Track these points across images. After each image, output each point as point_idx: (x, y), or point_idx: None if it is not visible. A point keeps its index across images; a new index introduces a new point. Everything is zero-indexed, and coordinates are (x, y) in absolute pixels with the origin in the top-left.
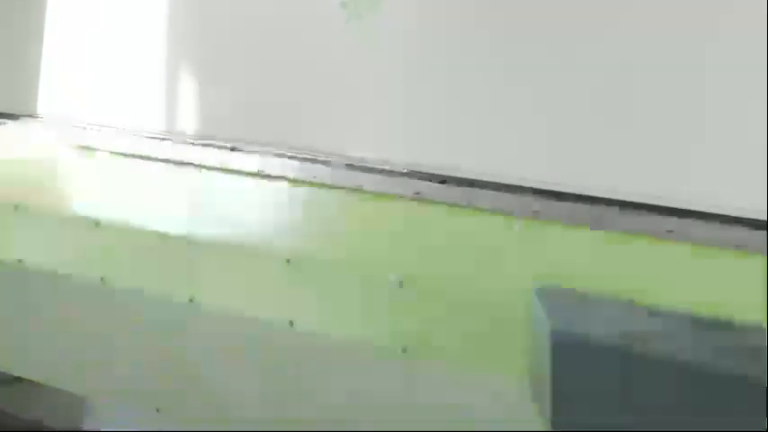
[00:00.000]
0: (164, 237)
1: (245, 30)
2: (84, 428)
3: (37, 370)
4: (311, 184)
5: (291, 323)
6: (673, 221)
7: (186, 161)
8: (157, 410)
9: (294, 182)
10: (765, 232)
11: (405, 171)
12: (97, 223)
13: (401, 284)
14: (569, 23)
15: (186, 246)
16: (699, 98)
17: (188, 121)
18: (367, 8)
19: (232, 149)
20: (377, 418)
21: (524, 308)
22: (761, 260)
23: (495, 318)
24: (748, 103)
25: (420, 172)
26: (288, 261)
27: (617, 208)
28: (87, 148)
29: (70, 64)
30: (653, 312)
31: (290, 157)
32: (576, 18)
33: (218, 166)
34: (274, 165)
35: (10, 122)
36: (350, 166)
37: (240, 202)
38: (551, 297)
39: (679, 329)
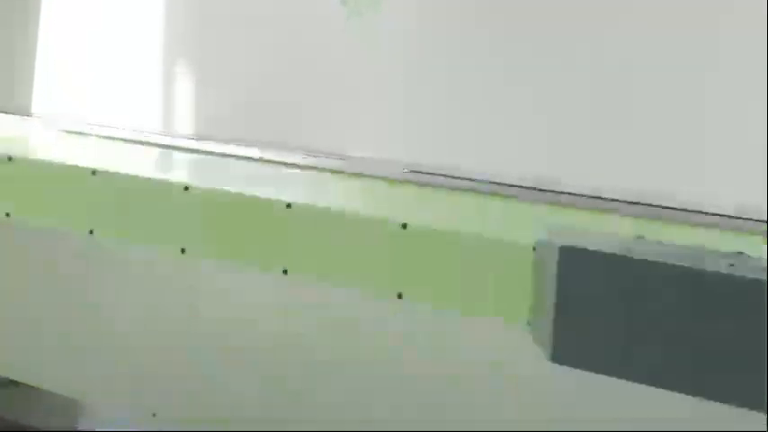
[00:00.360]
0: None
1: (244, 28)
2: (80, 428)
3: (32, 372)
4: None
5: (285, 271)
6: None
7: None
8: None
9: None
10: (765, 231)
11: (405, 171)
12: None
13: (404, 227)
14: (569, 23)
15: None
16: (699, 98)
17: (186, 120)
18: (367, 5)
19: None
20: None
21: (527, 259)
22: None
23: (496, 267)
24: (748, 103)
25: (420, 172)
26: (288, 206)
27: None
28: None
29: (67, 63)
30: (660, 243)
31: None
32: (577, 18)
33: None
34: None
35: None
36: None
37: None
38: (559, 231)
39: (686, 252)
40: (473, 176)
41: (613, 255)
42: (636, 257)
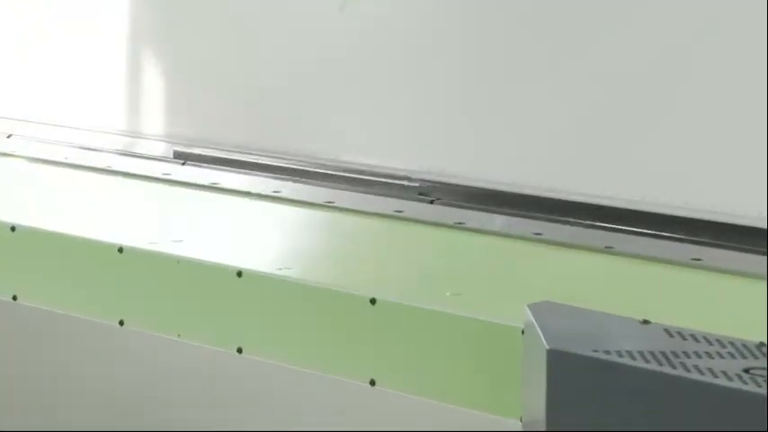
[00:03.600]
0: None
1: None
2: None
3: None
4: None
5: (240, 350)
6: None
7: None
8: None
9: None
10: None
11: (385, 181)
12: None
13: (373, 302)
14: (574, 21)
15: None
16: (702, 101)
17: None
18: None
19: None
20: None
21: (520, 338)
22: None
23: (484, 351)
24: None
25: (402, 185)
26: (239, 274)
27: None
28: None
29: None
30: (670, 332)
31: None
32: (582, 16)
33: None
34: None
35: None
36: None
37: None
38: (549, 314)
39: (700, 351)
40: (468, 183)
41: (605, 362)
42: (630, 364)
